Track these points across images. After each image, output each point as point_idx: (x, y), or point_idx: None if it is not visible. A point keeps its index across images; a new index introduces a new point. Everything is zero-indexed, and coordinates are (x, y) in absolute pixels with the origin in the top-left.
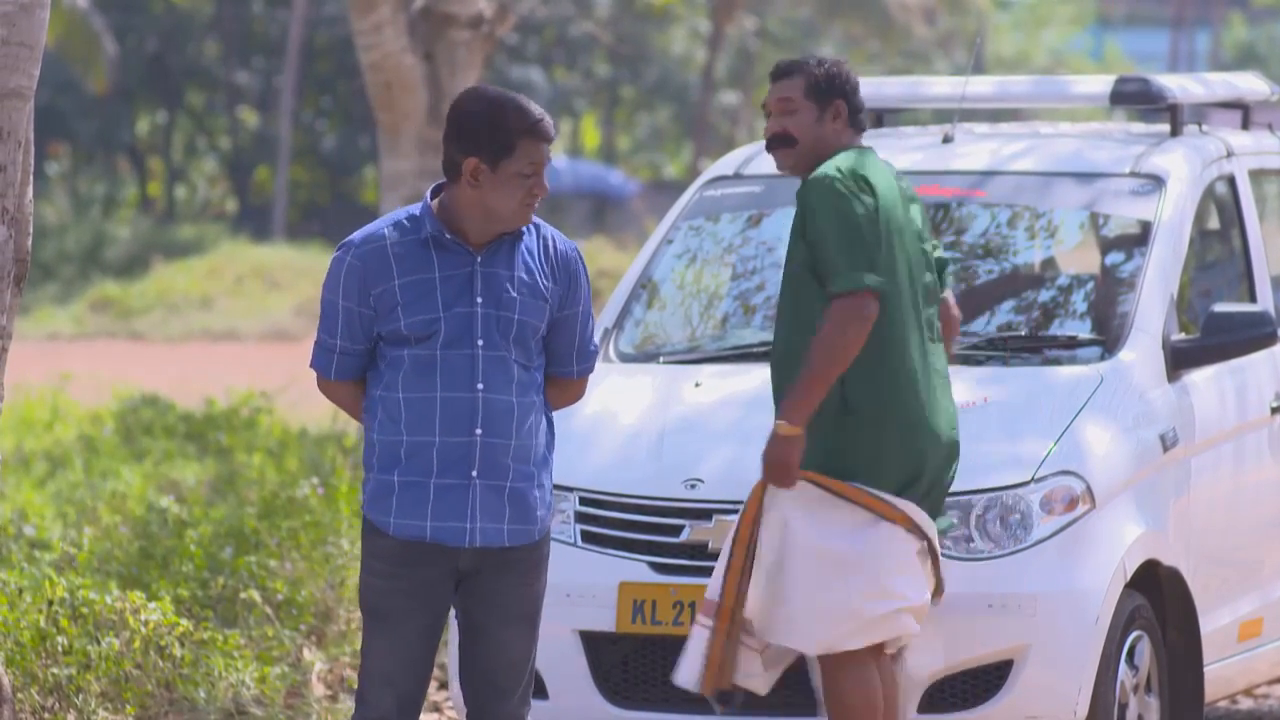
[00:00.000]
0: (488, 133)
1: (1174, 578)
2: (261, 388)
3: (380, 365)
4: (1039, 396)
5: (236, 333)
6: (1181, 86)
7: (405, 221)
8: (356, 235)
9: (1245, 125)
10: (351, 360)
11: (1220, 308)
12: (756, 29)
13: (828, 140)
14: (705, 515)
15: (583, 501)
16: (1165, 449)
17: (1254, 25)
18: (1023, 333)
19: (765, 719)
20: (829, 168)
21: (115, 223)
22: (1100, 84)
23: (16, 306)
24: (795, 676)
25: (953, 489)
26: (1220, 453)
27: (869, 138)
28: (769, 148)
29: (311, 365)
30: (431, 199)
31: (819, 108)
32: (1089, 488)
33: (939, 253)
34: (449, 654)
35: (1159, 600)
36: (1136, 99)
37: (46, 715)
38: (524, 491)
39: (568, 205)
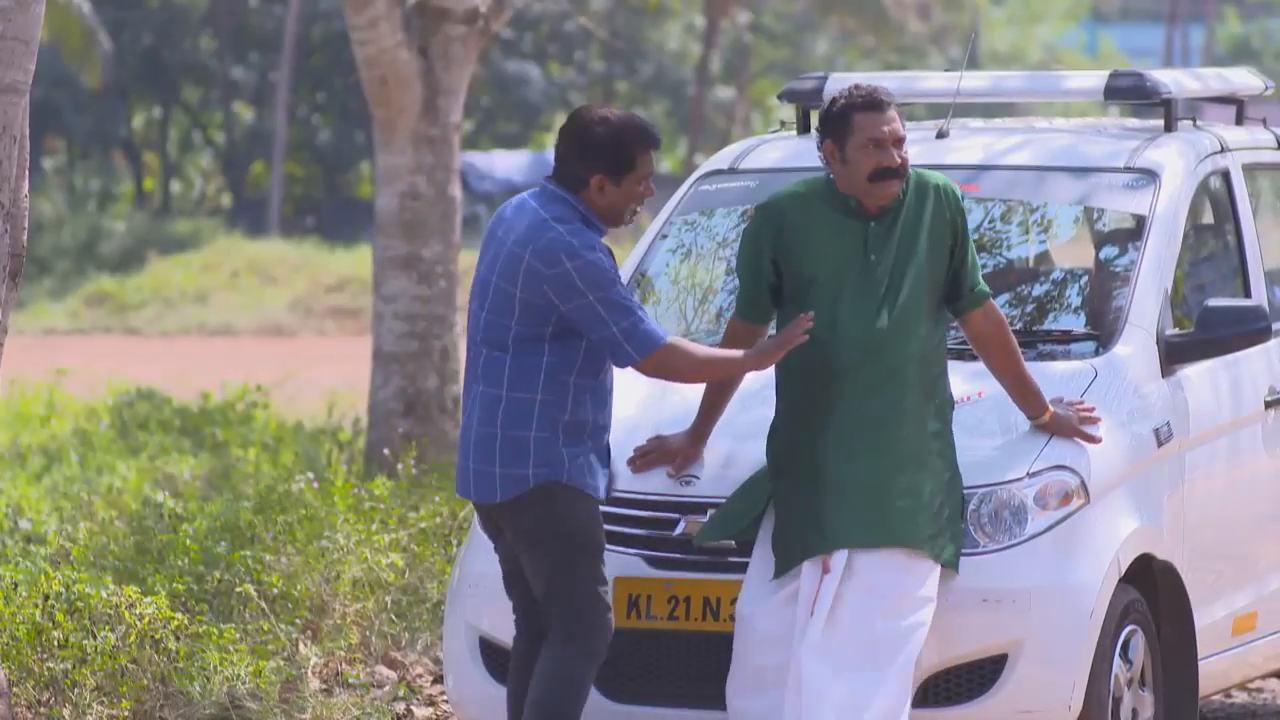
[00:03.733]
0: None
1: (1168, 572)
2: (257, 382)
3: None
4: None
5: (232, 327)
6: (1175, 81)
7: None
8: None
9: (1239, 120)
10: None
11: (1214, 302)
12: (751, 24)
13: None
14: (700, 510)
15: None
16: (1159, 444)
17: (1248, 20)
18: (1017, 327)
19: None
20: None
21: (111, 218)
22: (1094, 79)
23: (12, 301)
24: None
25: None
26: (1214, 447)
27: None
28: (889, 177)
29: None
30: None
31: None
32: (1083, 482)
33: None
34: (445, 647)
35: (1153, 595)
36: (1131, 94)
37: (42, 709)
38: None
39: None
